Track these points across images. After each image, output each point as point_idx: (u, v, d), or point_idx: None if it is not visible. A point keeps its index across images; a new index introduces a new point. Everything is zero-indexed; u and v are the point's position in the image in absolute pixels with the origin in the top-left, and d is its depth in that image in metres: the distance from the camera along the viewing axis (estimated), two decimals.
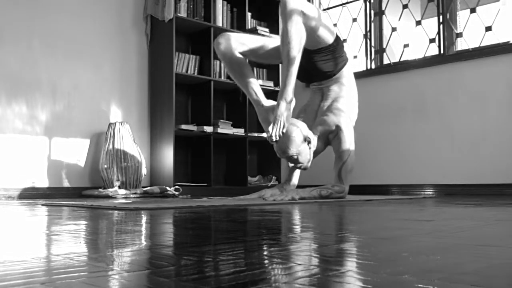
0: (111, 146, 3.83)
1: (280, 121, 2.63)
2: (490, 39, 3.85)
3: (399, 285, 0.56)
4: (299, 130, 2.73)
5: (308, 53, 2.79)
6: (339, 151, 2.88)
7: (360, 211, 1.92)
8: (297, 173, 3.19)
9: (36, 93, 3.72)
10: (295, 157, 2.75)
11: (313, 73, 2.97)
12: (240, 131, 4.49)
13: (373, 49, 4.55)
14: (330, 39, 2.81)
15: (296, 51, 2.56)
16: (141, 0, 4.34)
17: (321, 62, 2.88)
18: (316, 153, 2.99)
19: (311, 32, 2.68)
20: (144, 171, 3.95)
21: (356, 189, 4.16)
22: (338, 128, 2.88)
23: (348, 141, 2.88)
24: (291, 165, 3.06)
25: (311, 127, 2.93)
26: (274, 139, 2.63)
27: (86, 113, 3.97)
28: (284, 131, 2.66)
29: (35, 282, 0.58)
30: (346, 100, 2.97)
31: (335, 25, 4.84)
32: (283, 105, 2.62)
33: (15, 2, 3.65)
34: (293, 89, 2.65)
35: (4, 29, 3.59)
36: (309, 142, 2.77)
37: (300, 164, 2.82)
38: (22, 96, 3.66)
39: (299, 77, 2.92)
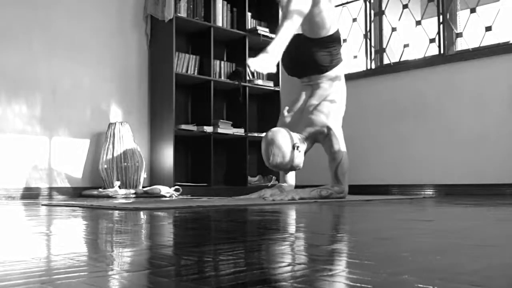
0: (111, 146, 3.83)
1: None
2: (490, 39, 3.84)
3: (399, 285, 0.56)
4: (287, 140, 2.74)
5: (307, 42, 2.82)
6: (332, 152, 2.88)
7: (360, 211, 1.92)
8: (292, 173, 3.19)
9: (36, 93, 3.72)
10: (289, 166, 2.79)
11: (307, 65, 2.97)
12: (240, 131, 4.49)
13: (373, 49, 4.54)
14: (332, 30, 2.83)
15: (296, 5, 2.56)
16: (141, 0, 4.34)
17: (319, 53, 2.89)
18: (304, 152, 3.01)
19: (318, 12, 2.71)
20: (144, 171, 3.95)
21: (356, 189, 4.16)
22: (328, 129, 2.88)
23: (340, 142, 2.88)
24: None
25: (298, 126, 2.93)
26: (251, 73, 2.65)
27: (86, 113, 3.97)
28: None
29: (35, 282, 0.58)
30: (334, 101, 2.97)
31: None
32: (262, 55, 2.56)
33: (15, 2, 3.65)
34: (279, 46, 2.59)
35: (4, 29, 3.59)
36: (297, 148, 2.78)
37: (295, 168, 2.85)
38: (22, 96, 3.66)
39: (291, 69, 2.95)
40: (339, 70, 3.01)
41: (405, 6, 4.35)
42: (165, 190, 3.80)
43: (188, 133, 4.25)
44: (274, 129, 2.80)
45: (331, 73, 2.97)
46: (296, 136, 2.83)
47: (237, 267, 0.69)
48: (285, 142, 2.73)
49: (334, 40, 2.89)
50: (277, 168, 2.80)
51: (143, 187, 3.94)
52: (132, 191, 3.72)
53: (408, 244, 0.92)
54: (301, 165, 2.86)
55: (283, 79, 4.92)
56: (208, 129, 4.23)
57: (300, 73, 3.08)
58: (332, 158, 2.89)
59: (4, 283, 0.58)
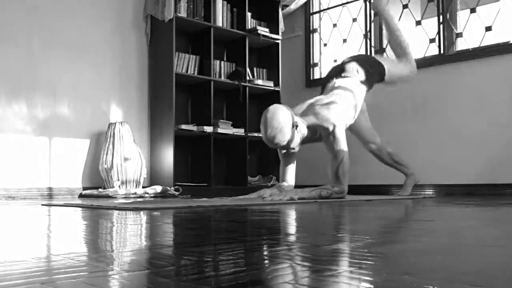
0: (111, 146, 3.83)
1: None
2: (490, 39, 3.84)
3: (399, 285, 0.56)
4: (288, 117, 2.78)
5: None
6: (334, 150, 2.87)
7: (360, 211, 1.92)
8: (292, 173, 3.18)
9: (36, 93, 3.72)
10: (285, 143, 2.82)
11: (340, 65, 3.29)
12: (240, 131, 4.49)
13: (373, 49, 4.54)
14: (389, 78, 3.42)
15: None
16: (141, 0, 4.34)
17: (364, 64, 3.26)
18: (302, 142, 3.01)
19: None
20: (144, 171, 3.95)
21: (356, 189, 4.15)
22: (333, 127, 2.87)
23: (343, 141, 2.88)
24: (283, 151, 3.10)
25: (303, 115, 2.94)
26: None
27: (86, 113, 3.97)
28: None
29: (35, 282, 0.58)
30: (344, 105, 2.98)
31: (335, 25, 4.84)
32: None
33: (15, 2, 3.65)
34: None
35: (4, 29, 3.59)
36: (296, 127, 2.81)
37: (291, 149, 2.88)
38: (22, 96, 3.65)
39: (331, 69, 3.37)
40: (363, 92, 3.21)
41: (405, 6, 4.35)
42: (165, 190, 3.80)
43: (188, 133, 4.25)
44: (276, 104, 2.86)
45: (353, 86, 3.10)
46: (298, 118, 2.86)
47: (237, 267, 0.69)
48: (285, 118, 2.77)
49: (380, 79, 3.35)
50: (273, 144, 2.81)
51: (143, 187, 3.94)
52: (132, 191, 3.72)
53: (408, 244, 0.92)
54: (297, 148, 2.91)
55: (283, 79, 4.92)
56: (208, 129, 4.23)
57: (334, 71, 3.27)
58: (333, 156, 2.89)
59: (4, 283, 0.58)
